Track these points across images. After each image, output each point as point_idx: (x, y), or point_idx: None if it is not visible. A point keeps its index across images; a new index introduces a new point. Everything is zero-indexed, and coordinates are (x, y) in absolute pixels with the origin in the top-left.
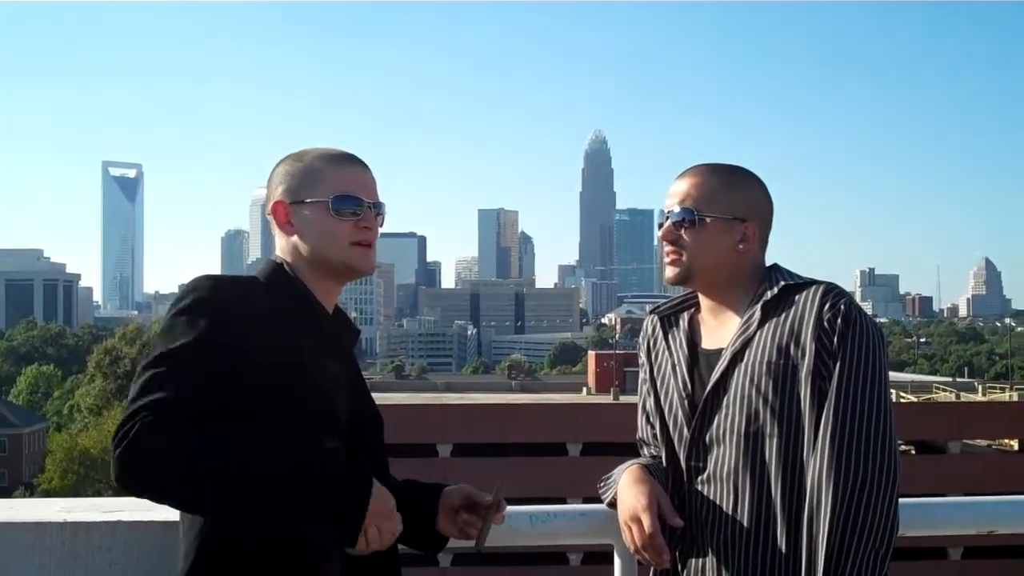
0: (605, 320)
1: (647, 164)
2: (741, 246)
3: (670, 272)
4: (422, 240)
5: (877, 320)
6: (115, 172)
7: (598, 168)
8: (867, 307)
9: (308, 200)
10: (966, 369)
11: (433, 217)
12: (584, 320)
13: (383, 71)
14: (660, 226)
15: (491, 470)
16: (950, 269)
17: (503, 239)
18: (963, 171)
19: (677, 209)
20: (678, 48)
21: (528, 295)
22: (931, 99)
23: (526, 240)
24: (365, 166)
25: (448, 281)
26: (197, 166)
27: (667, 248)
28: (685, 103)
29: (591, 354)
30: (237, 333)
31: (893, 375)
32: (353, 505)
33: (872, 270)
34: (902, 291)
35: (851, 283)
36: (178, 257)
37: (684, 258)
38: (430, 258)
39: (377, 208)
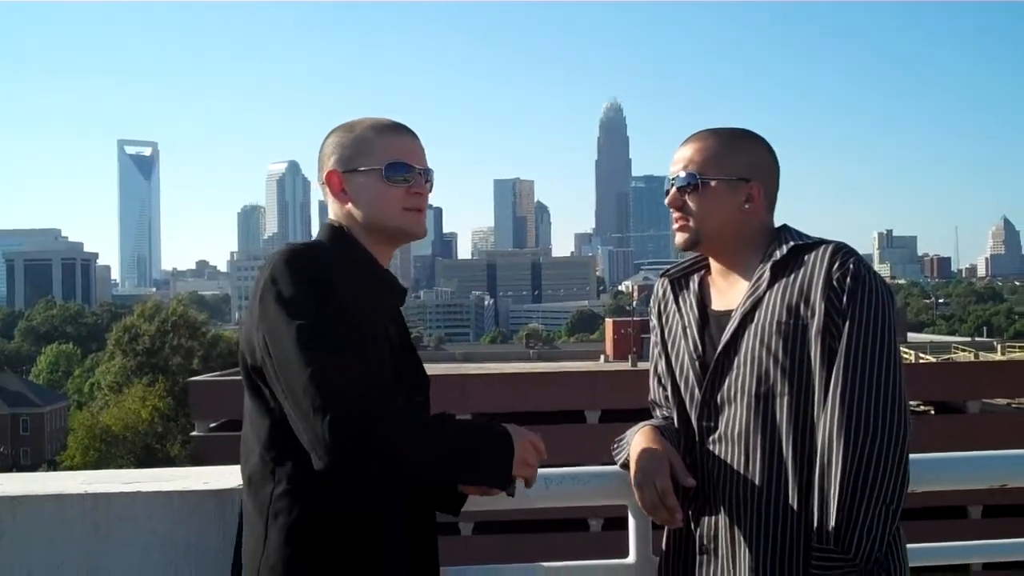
0: (622, 287)
1: (663, 130)
2: (747, 206)
3: (679, 238)
4: (438, 211)
5: (895, 282)
6: (131, 150)
7: (613, 136)
8: (885, 269)
9: (361, 168)
10: (985, 329)
11: (449, 188)
12: (601, 288)
13: (397, 43)
14: (667, 193)
15: None
16: (968, 229)
17: (519, 209)
18: (981, 131)
19: (681, 175)
20: (692, 12)
21: (545, 264)
22: (949, 57)
23: (542, 209)
24: (414, 134)
25: (464, 252)
26: (212, 143)
27: (674, 214)
28: (700, 67)
29: (608, 321)
30: (346, 300)
31: (912, 336)
32: (507, 455)
33: (890, 232)
34: (920, 252)
35: (869, 245)
36: (195, 234)
37: (691, 223)
38: (446, 229)
39: (427, 174)
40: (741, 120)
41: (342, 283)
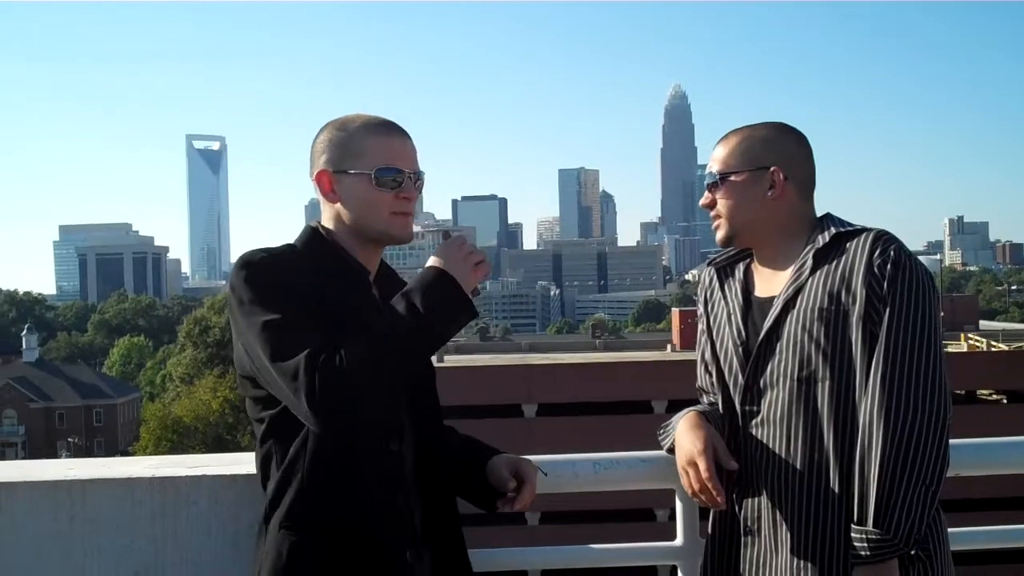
0: (688, 276)
1: (728, 118)
2: (770, 193)
3: (718, 235)
4: (503, 202)
5: (967, 269)
6: (199, 145)
7: (679, 124)
8: (956, 255)
9: (352, 171)
10: None
11: (514, 178)
12: (667, 277)
13: (460, 35)
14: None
15: (576, 429)
16: None
17: (584, 198)
18: None
19: (708, 176)
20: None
21: (610, 254)
22: (1016, 39)
23: (607, 199)
24: (406, 135)
25: (530, 242)
26: (279, 136)
27: (711, 214)
28: (765, 53)
29: (675, 311)
30: (298, 296)
31: (984, 323)
32: (449, 284)
33: (961, 218)
34: (992, 238)
35: (940, 231)
36: (263, 227)
37: (723, 219)
38: (511, 220)
39: (417, 177)
40: (805, 107)
41: (298, 282)
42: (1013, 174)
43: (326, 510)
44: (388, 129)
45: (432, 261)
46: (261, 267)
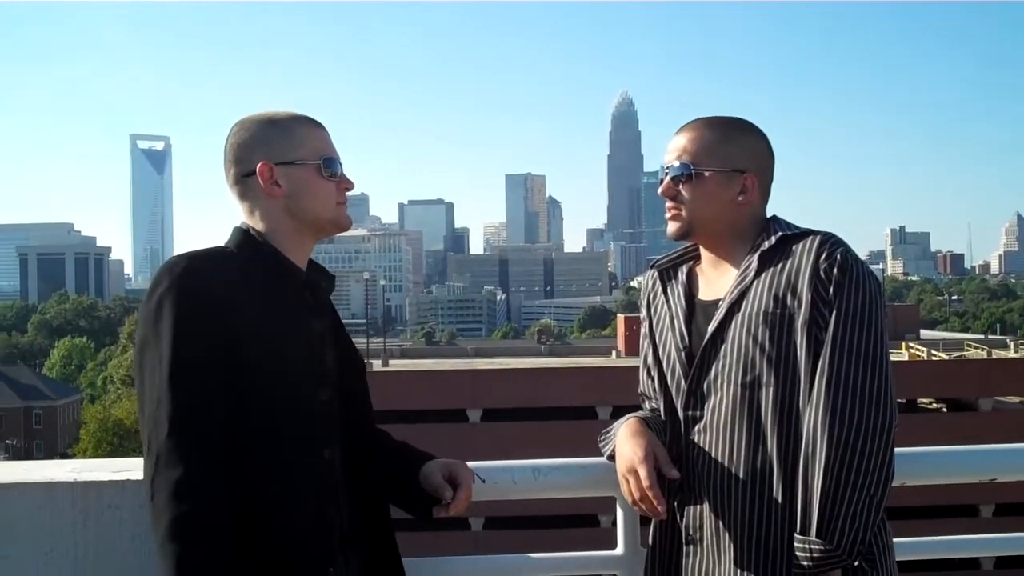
0: (634, 283)
1: (675, 124)
2: (740, 198)
3: (671, 227)
4: (450, 206)
5: (909, 278)
6: (143, 145)
7: (625, 130)
8: (898, 265)
9: (298, 162)
10: (998, 326)
11: (461, 183)
12: (613, 284)
13: (405, 37)
14: (660, 182)
15: (521, 434)
16: (981, 226)
17: (531, 204)
18: (993, 127)
19: (676, 164)
20: (703, 6)
21: (557, 260)
22: (960, 54)
23: (554, 204)
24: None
25: (477, 247)
26: (224, 137)
27: (668, 204)
28: (711, 61)
29: (620, 317)
30: (223, 310)
31: (925, 333)
32: None
33: (903, 228)
34: (933, 248)
35: (882, 241)
36: (208, 228)
37: (684, 213)
38: (458, 224)
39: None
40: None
41: (232, 293)
42: (954, 185)
43: (250, 524)
44: (317, 123)
45: None
46: (187, 279)
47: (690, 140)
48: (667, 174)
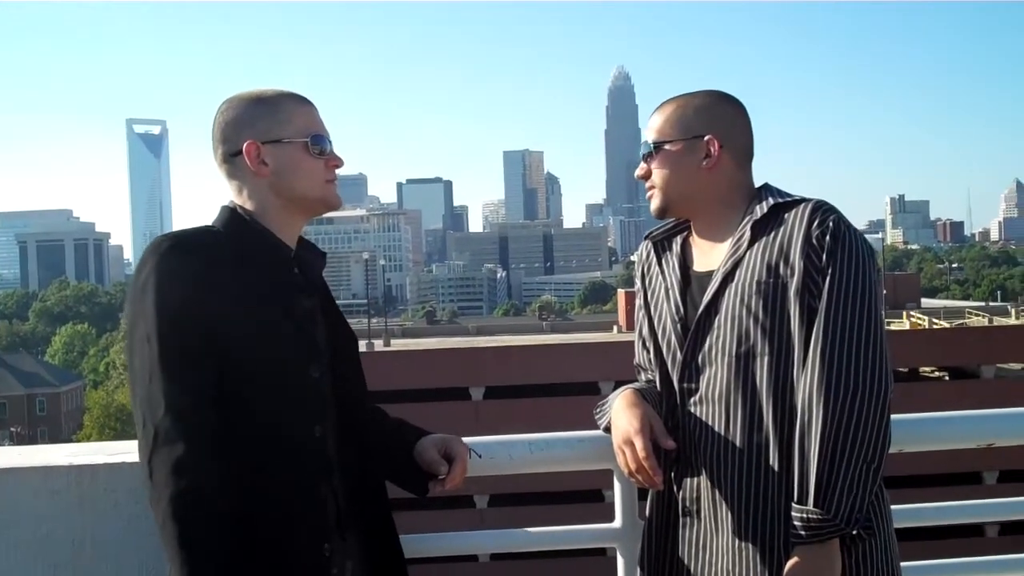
0: (634, 257)
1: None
2: (705, 163)
3: (652, 207)
4: (448, 185)
5: (909, 247)
6: (140, 129)
7: (622, 105)
8: (898, 234)
9: (285, 140)
10: (999, 293)
11: (459, 161)
12: (613, 259)
13: (404, 17)
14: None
15: (525, 411)
16: (980, 193)
17: (529, 181)
18: (992, 93)
19: (646, 144)
20: None
21: (556, 236)
22: (961, 19)
23: (552, 181)
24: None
25: (476, 225)
26: None
27: (646, 185)
28: (708, 33)
29: (621, 292)
30: (209, 288)
31: (925, 301)
32: None
33: (902, 196)
34: (933, 217)
35: (881, 210)
36: (206, 211)
37: (657, 190)
38: (457, 202)
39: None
40: (749, 84)
41: (219, 273)
42: (954, 153)
43: (244, 501)
44: (304, 99)
45: None
46: (167, 272)
47: (655, 120)
48: (642, 157)
